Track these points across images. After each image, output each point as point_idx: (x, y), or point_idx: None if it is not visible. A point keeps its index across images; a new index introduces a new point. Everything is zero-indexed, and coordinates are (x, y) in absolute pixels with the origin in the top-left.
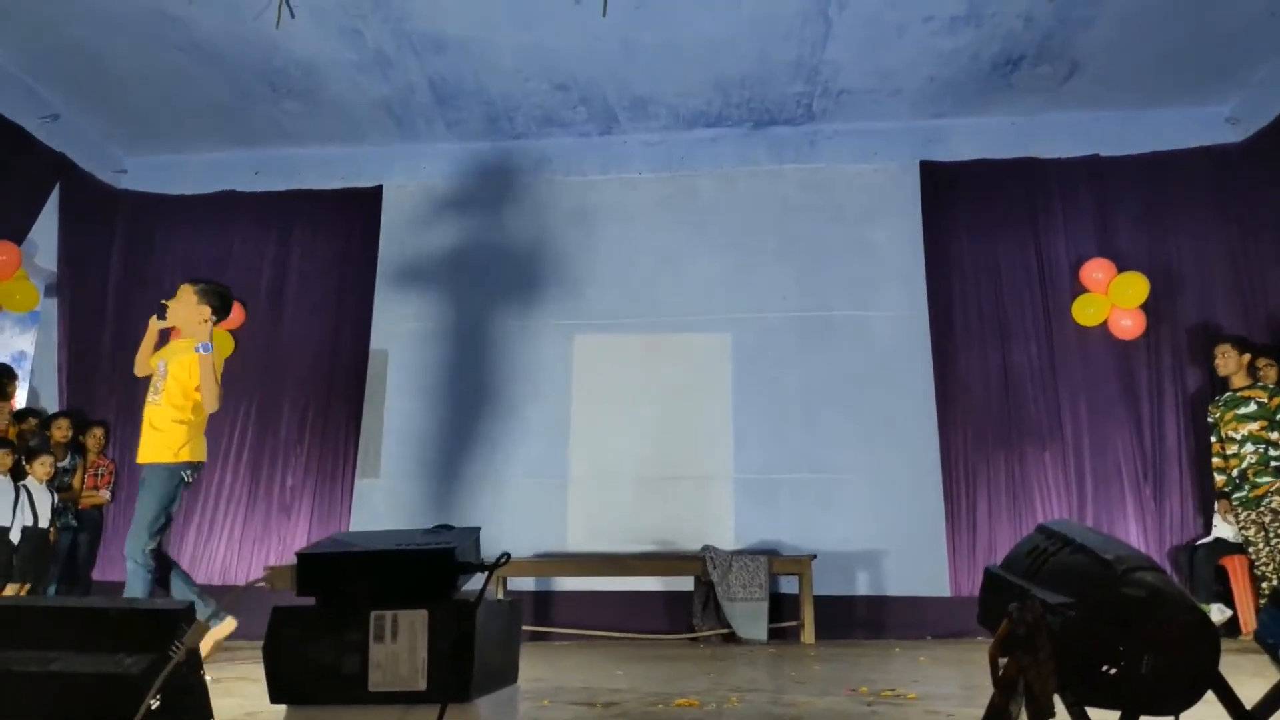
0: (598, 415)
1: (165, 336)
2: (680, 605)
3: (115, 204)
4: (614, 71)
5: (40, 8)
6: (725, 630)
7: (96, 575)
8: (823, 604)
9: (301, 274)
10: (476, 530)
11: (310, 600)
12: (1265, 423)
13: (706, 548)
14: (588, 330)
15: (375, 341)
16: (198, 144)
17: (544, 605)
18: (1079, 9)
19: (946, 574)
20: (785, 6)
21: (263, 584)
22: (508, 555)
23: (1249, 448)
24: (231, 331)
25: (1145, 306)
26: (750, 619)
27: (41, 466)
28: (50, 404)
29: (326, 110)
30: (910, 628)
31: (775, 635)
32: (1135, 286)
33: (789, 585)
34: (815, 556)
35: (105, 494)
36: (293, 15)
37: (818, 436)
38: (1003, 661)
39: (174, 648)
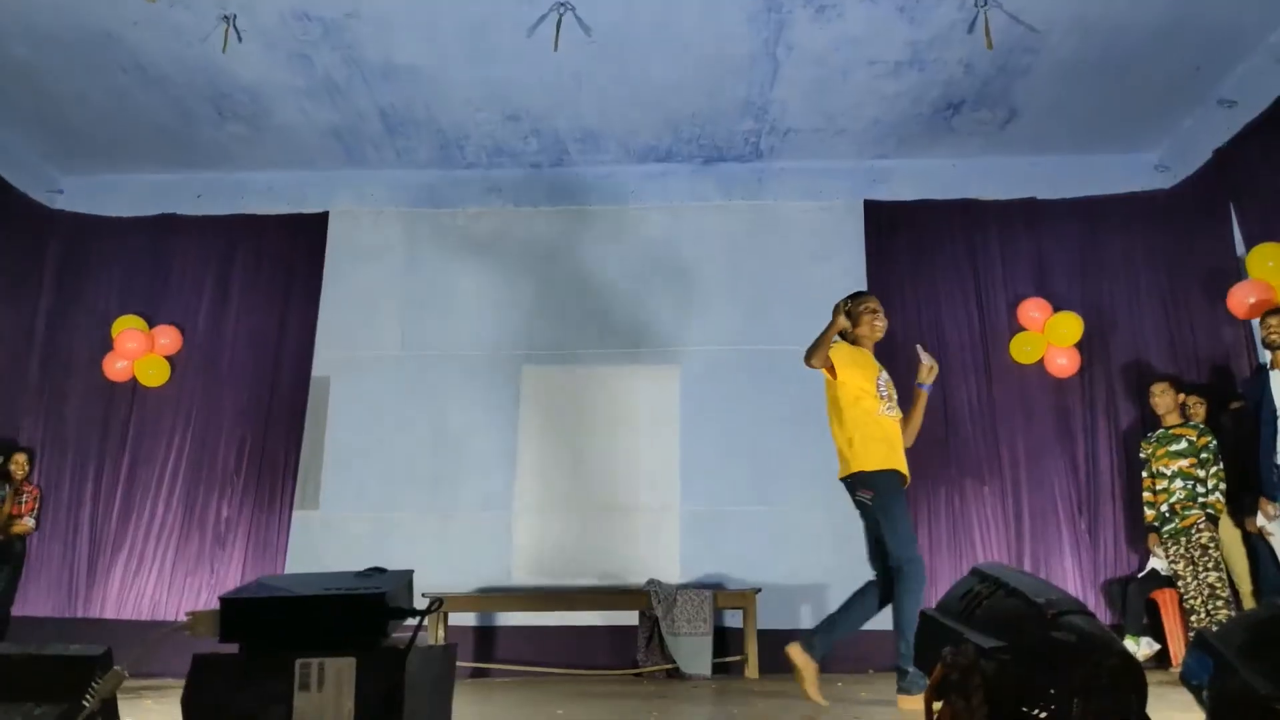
0: (544, 447)
1: None
2: (624, 640)
3: (49, 224)
4: (565, 105)
5: None
6: (669, 665)
7: (16, 611)
8: (767, 638)
9: (243, 299)
10: (409, 573)
11: (234, 647)
12: (1194, 460)
13: (651, 582)
14: (535, 361)
15: (317, 369)
16: (138, 165)
17: (486, 641)
18: (1017, 58)
19: (889, 608)
20: (735, 46)
21: (184, 630)
22: (440, 601)
23: (1178, 483)
24: (169, 358)
25: (1080, 345)
26: (694, 654)
27: None
28: None
29: (273, 135)
30: (852, 661)
31: (719, 670)
32: (1070, 326)
33: (734, 619)
34: (760, 590)
35: (30, 521)
36: (240, 39)
37: (763, 470)
38: (937, 706)
39: (87, 697)
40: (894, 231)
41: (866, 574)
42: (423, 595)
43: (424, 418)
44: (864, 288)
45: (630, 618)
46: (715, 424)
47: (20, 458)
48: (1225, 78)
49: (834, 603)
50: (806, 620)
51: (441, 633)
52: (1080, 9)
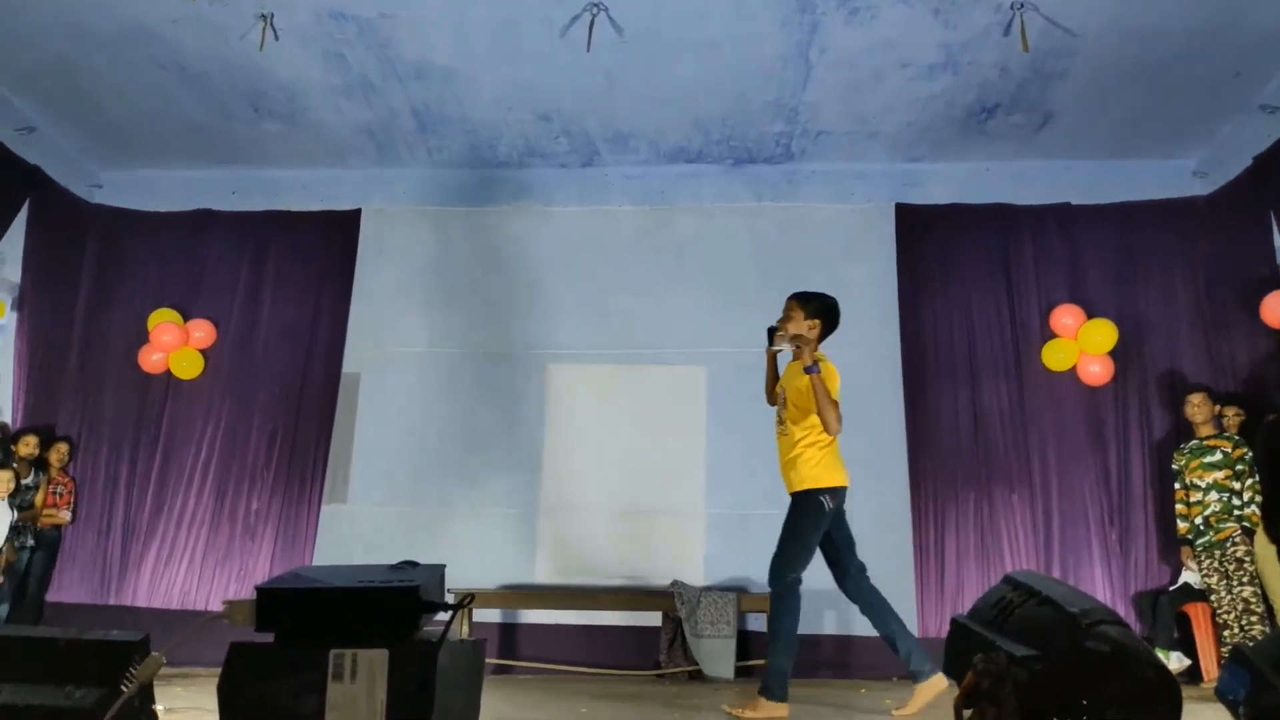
0: (570, 446)
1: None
2: (647, 641)
3: (88, 218)
4: (597, 105)
5: (21, 20)
6: (692, 668)
7: (51, 597)
8: None
9: (276, 295)
10: (441, 568)
11: (269, 636)
12: (1229, 472)
13: (675, 583)
14: (563, 360)
15: (348, 365)
16: (176, 161)
17: (509, 638)
18: (1053, 61)
19: (914, 614)
20: (767, 48)
21: (221, 619)
22: (472, 596)
23: (1213, 495)
24: (203, 351)
25: (1113, 353)
26: (717, 657)
27: (2, 483)
28: (9, 420)
29: (307, 132)
30: (876, 668)
31: (742, 673)
32: (1104, 333)
33: (757, 623)
34: None
35: (65, 514)
36: (277, 38)
37: None
38: (968, 714)
39: (126, 681)
40: (926, 235)
41: (891, 579)
42: (448, 591)
43: (452, 415)
44: (895, 291)
45: (653, 619)
46: (741, 426)
47: (62, 447)
48: (1267, 83)
49: (857, 610)
50: (830, 625)
51: (466, 628)
52: (1118, 12)
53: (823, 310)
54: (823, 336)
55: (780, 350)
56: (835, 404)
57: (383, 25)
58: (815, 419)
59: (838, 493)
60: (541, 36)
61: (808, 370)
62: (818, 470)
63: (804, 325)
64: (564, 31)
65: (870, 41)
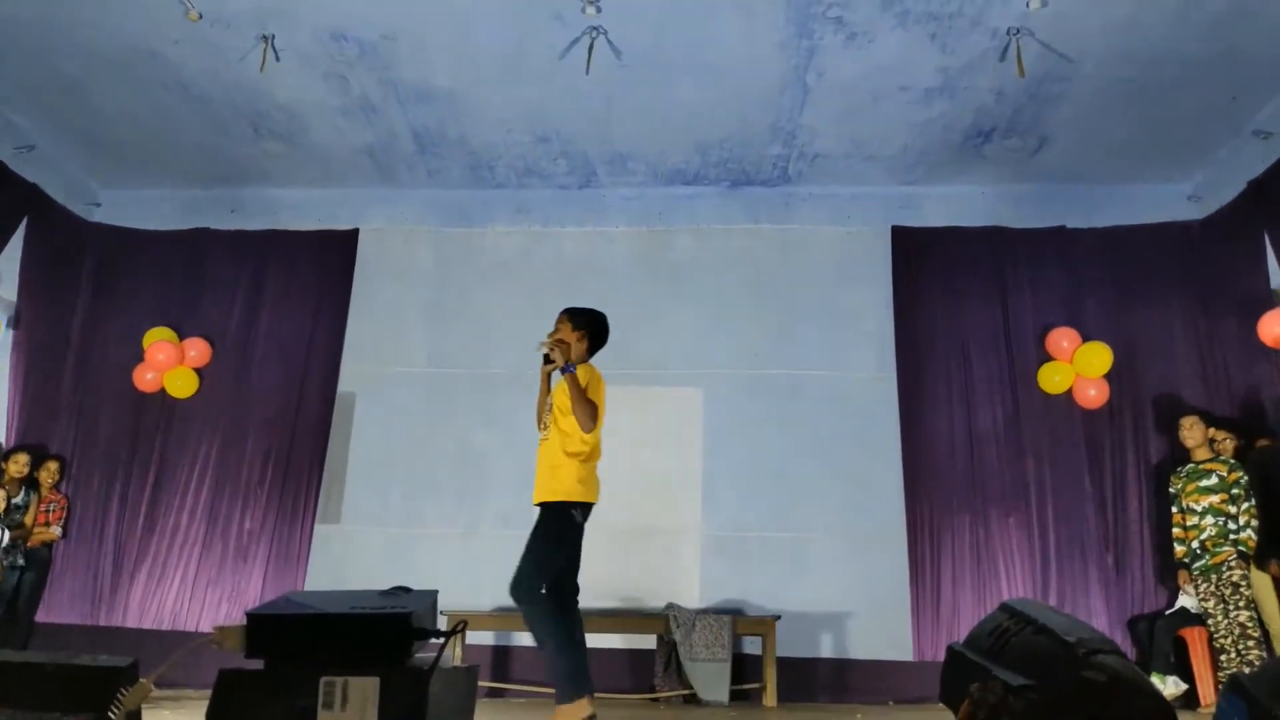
0: None
1: None
2: (642, 664)
3: (86, 237)
4: (596, 128)
5: (25, 40)
6: (687, 691)
7: (41, 617)
8: (786, 665)
9: (272, 314)
10: (434, 594)
11: (259, 662)
12: (1225, 496)
13: (670, 606)
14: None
15: (343, 384)
16: (175, 180)
17: (503, 660)
18: (1049, 86)
19: (910, 638)
20: (764, 72)
21: (211, 644)
22: (464, 623)
23: (1209, 519)
24: (198, 370)
25: (1109, 376)
26: (712, 680)
27: None
28: (1, 438)
29: (307, 153)
30: (873, 692)
31: (737, 697)
32: (1099, 356)
33: (752, 646)
34: (779, 617)
35: (56, 529)
36: (278, 59)
37: (786, 495)
38: None
39: (113, 709)
40: (922, 258)
41: (887, 602)
42: (441, 613)
43: (447, 435)
44: (890, 314)
45: (648, 641)
46: (738, 447)
47: (51, 465)
48: (1261, 109)
49: (853, 631)
50: (826, 649)
51: (459, 651)
52: (1114, 38)
53: (590, 324)
54: (592, 349)
55: (553, 367)
56: (594, 405)
57: (384, 47)
58: (584, 432)
59: (588, 509)
60: (541, 59)
61: (561, 370)
62: (575, 484)
63: (572, 337)
64: (564, 54)
65: (867, 66)
